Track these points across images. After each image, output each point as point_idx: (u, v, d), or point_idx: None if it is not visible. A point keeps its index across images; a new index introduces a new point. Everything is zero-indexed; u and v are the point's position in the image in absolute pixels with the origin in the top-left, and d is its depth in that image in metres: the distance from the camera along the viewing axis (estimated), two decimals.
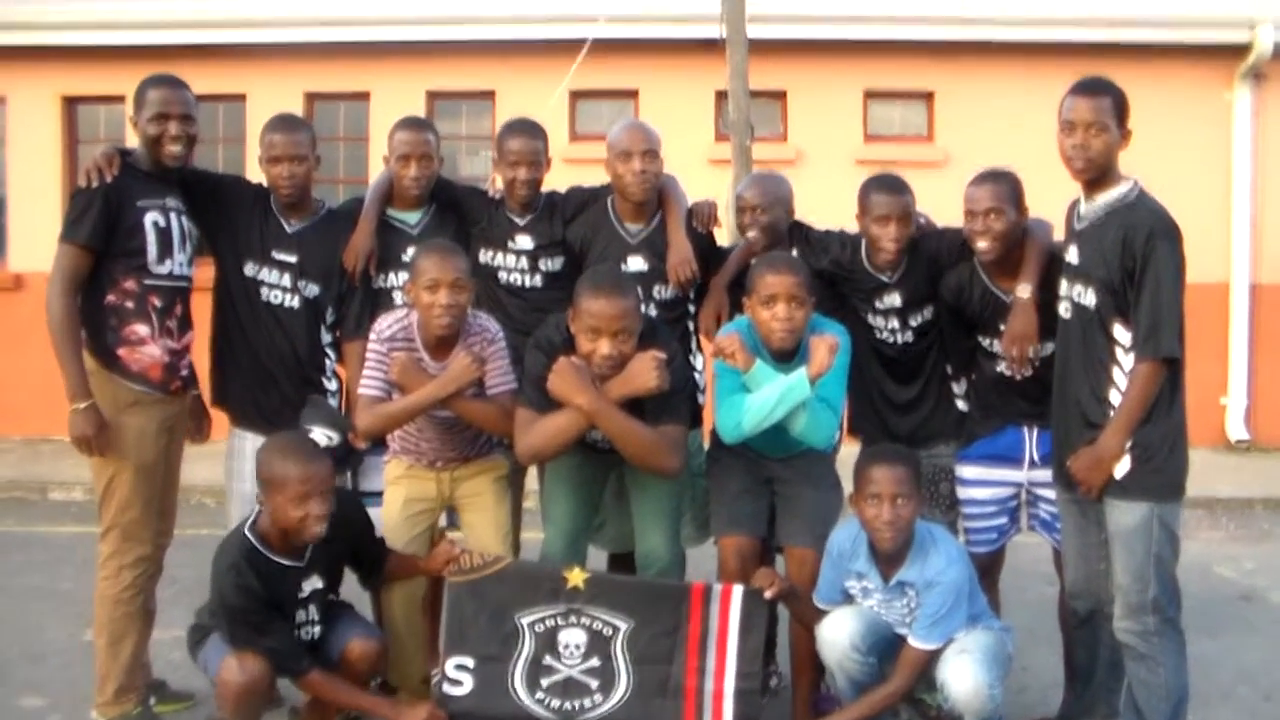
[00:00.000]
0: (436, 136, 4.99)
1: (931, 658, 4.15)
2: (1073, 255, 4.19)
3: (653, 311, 4.82)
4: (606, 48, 10.37)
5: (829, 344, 4.24)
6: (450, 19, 11.32)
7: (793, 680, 4.65)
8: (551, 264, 4.99)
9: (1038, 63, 11.14)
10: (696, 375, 5.07)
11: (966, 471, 4.74)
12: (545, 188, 5.09)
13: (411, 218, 4.97)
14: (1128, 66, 10.69)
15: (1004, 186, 4.48)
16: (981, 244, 4.46)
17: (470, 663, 4.24)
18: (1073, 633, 4.54)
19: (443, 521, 4.81)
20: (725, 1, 9.45)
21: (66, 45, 11.53)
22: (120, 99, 11.41)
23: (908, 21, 11.28)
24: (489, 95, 11.79)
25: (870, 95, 11.76)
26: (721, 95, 10.28)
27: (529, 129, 5.00)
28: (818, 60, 11.40)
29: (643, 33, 11.10)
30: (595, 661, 4.24)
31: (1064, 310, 4.24)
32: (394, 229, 4.93)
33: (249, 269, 4.74)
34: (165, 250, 4.53)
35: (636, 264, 4.90)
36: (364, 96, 11.80)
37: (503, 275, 4.99)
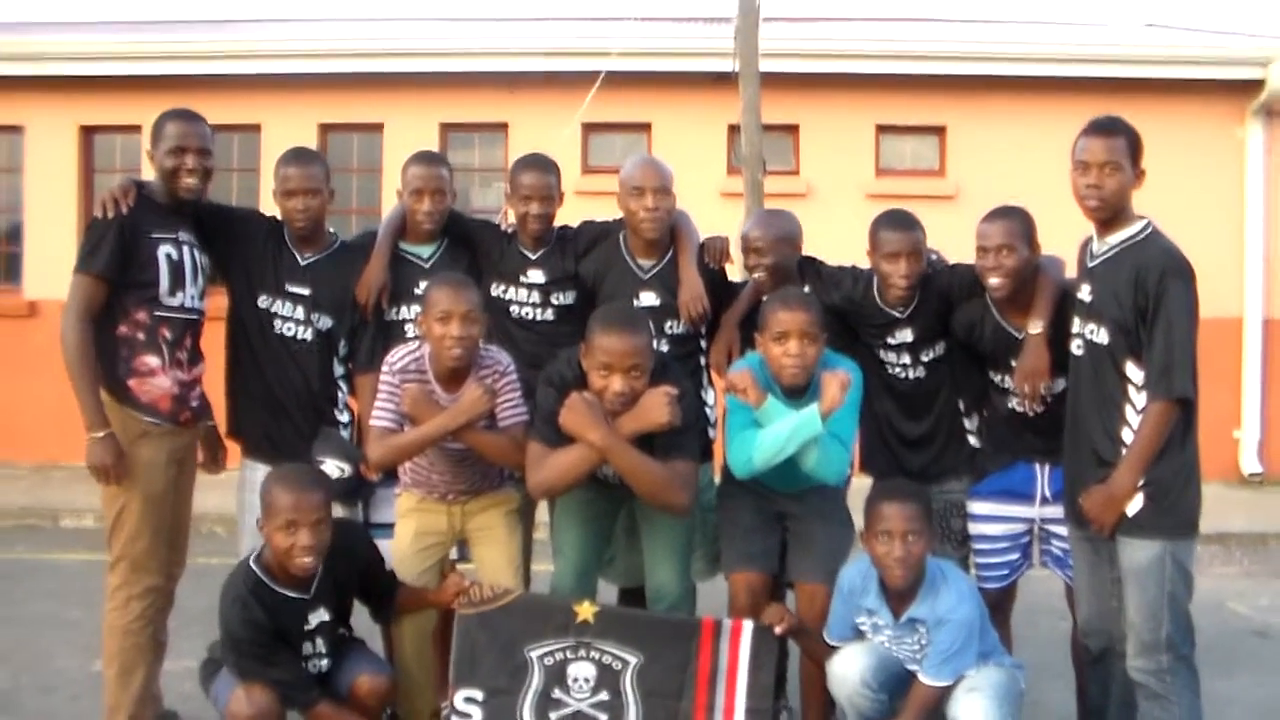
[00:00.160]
0: (450, 171, 5.02)
1: (942, 695, 4.14)
2: (1085, 293, 4.19)
3: (664, 346, 4.82)
4: (619, 81, 10.44)
5: (840, 380, 4.25)
6: (464, 51, 11.49)
7: (803, 716, 4.64)
8: (563, 298, 5.00)
9: (1049, 98, 11.24)
10: (707, 410, 5.08)
11: (978, 507, 4.73)
12: (557, 221, 5.10)
13: (424, 251, 4.98)
14: (1140, 103, 10.78)
15: (1016, 223, 4.49)
16: (993, 280, 4.47)
17: (479, 695, 4.24)
18: (1085, 670, 4.53)
19: (453, 554, 4.80)
20: (738, 36, 9.52)
21: (84, 76, 11.67)
22: (137, 129, 11.55)
23: (919, 57, 11.41)
24: (502, 127, 11.88)
25: (882, 129, 11.83)
26: (734, 129, 10.35)
27: (542, 164, 5.02)
28: (830, 94, 11.49)
29: (655, 66, 11.21)
30: (604, 695, 4.23)
31: (1077, 348, 4.24)
32: (407, 263, 4.95)
33: (262, 301, 4.76)
34: (177, 282, 4.55)
35: (648, 299, 4.91)
36: (377, 128, 11.89)
37: (514, 309, 5.00)
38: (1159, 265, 3.97)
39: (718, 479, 4.88)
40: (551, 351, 4.63)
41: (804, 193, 11.42)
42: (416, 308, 4.69)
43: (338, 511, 4.60)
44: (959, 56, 11.40)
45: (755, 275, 4.91)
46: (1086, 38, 12.72)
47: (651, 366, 4.25)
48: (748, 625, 4.27)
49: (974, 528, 4.74)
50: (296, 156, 4.89)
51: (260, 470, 4.57)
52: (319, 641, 4.19)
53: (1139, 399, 4.01)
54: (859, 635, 4.36)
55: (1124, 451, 4.03)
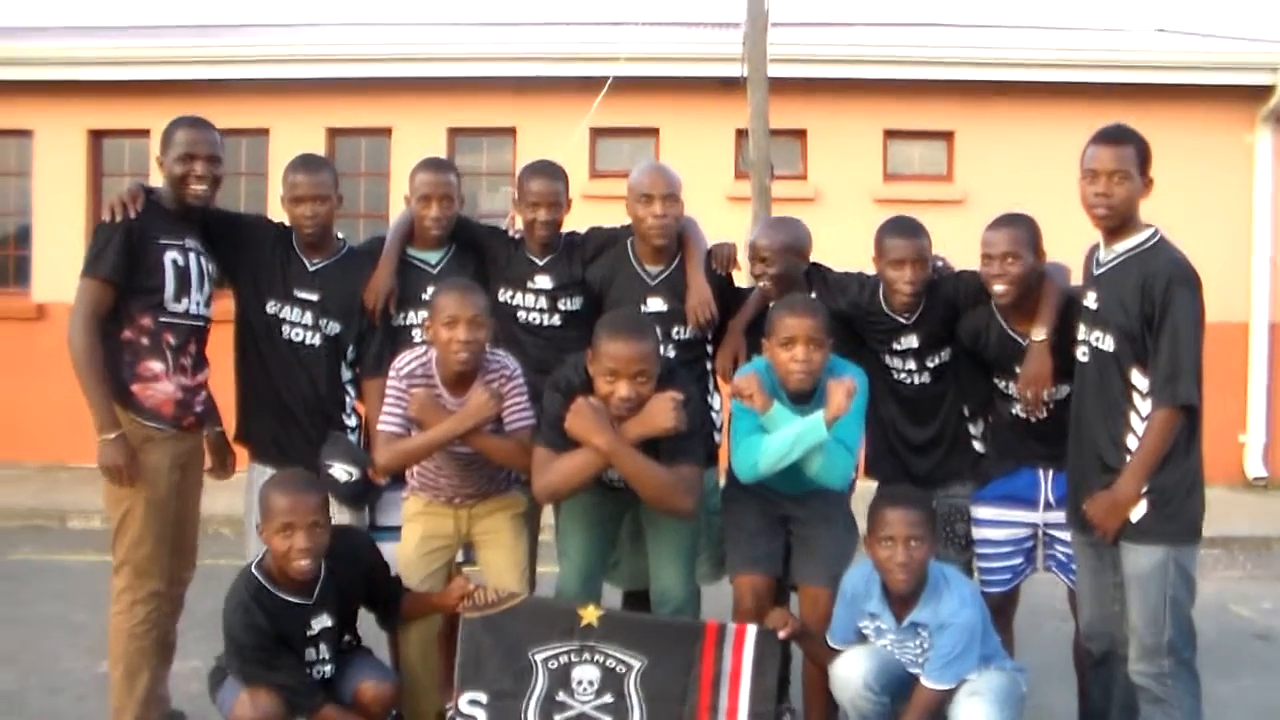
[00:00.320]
0: (458, 177, 5.04)
1: (944, 698, 4.16)
2: (1091, 301, 4.21)
3: (671, 352, 4.85)
4: (627, 86, 10.44)
5: (846, 388, 4.26)
6: (472, 56, 11.51)
7: (806, 718, 4.67)
8: (570, 304, 5.02)
9: (1058, 103, 11.26)
10: (714, 415, 5.10)
11: (982, 512, 4.75)
12: (566, 226, 5.13)
13: (432, 257, 5.01)
14: (1150, 108, 10.86)
15: (1021, 230, 4.51)
16: (998, 287, 4.49)
17: (484, 698, 4.26)
18: (1088, 673, 4.54)
19: (459, 557, 4.82)
20: (747, 41, 9.55)
21: (93, 80, 11.74)
22: (145, 133, 11.58)
23: (927, 63, 11.46)
24: (510, 132, 11.91)
25: (890, 134, 11.86)
26: (741, 134, 10.38)
27: (550, 171, 5.04)
28: (838, 100, 11.51)
29: (664, 71, 11.23)
30: (608, 698, 4.25)
31: (1082, 355, 4.25)
32: (414, 268, 4.97)
33: (271, 307, 4.78)
34: (183, 289, 4.57)
35: (656, 305, 4.93)
36: (385, 132, 11.95)
37: (522, 315, 5.02)
38: (1166, 274, 3.98)
39: (723, 482, 4.90)
40: (558, 357, 4.64)
41: (812, 198, 11.45)
42: (424, 313, 4.71)
43: (344, 516, 4.65)
44: (967, 62, 11.46)
45: (760, 284, 4.93)
46: (1095, 43, 12.75)
47: (658, 372, 4.26)
48: (751, 629, 4.29)
49: (977, 532, 4.76)
50: (305, 163, 4.90)
51: (268, 474, 4.59)
52: (322, 648, 4.20)
53: (1144, 406, 4.03)
54: (861, 639, 4.38)
55: (1128, 458, 4.04)
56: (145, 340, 4.50)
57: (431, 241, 5.00)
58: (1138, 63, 11.45)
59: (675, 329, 4.94)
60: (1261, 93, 11.34)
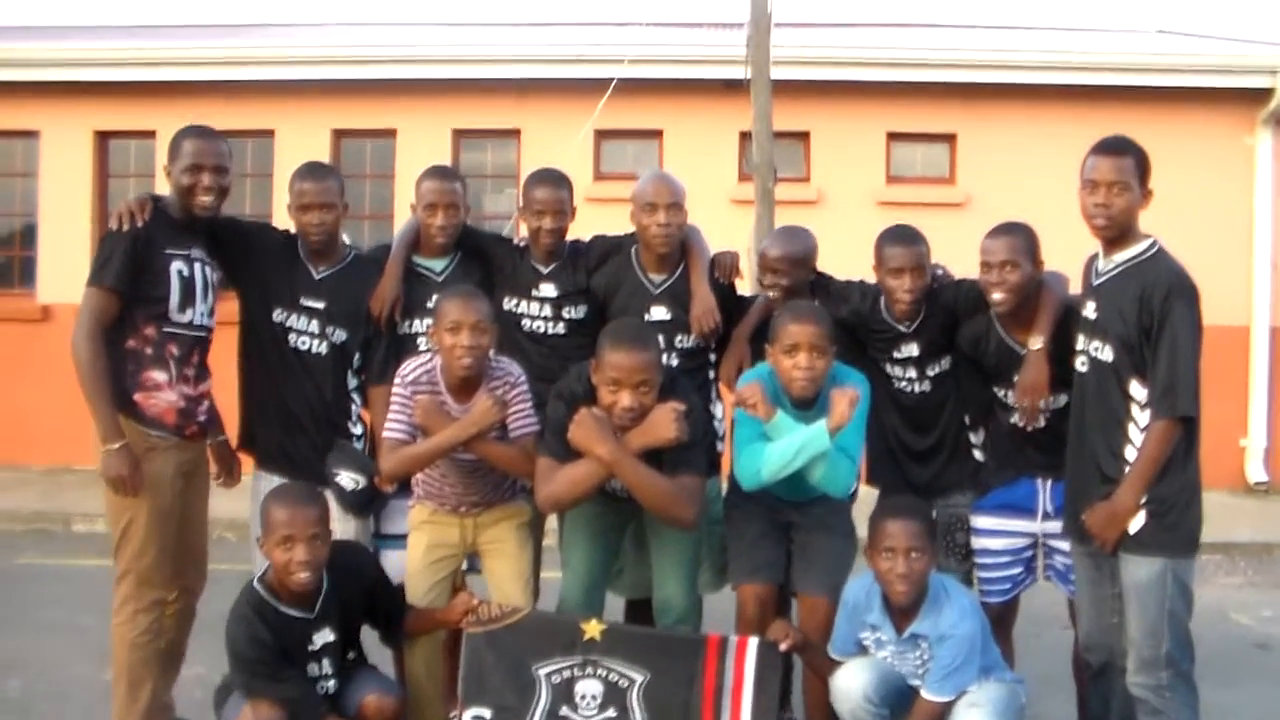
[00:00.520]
0: (463, 186, 5.07)
1: (944, 710, 4.18)
2: (1090, 311, 4.24)
3: (674, 360, 4.89)
4: (631, 88, 10.47)
5: (850, 398, 4.29)
6: (476, 58, 11.54)
7: None
8: (575, 312, 5.04)
9: (1060, 106, 11.29)
10: (716, 423, 5.12)
11: (981, 522, 4.78)
12: (570, 229, 5.15)
13: (437, 265, 5.03)
14: (1151, 111, 10.92)
15: (1020, 239, 4.53)
16: (997, 295, 4.51)
17: (487, 713, 4.28)
18: (1087, 684, 4.57)
19: (464, 565, 4.84)
20: (750, 44, 9.55)
21: (99, 81, 11.76)
22: (151, 134, 11.67)
23: (930, 65, 11.48)
24: (514, 133, 11.93)
25: (893, 137, 11.86)
26: (745, 136, 10.38)
27: (554, 179, 5.06)
28: (841, 102, 11.53)
29: (667, 74, 11.25)
30: (612, 712, 4.27)
31: (1081, 365, 4.28)
32: (420, 276, 5.00)
33: (277, 315, 4.80)
34: (187, 299, 4.59)
35: (659, 313, 4.96)
36: (390, 134, 11.96)
37: (526, 323, 5.05)
38: (1165, 284, 4.01)
39: (725, 490, 4.93)
40: (563, 365, 4.68)
41: (815, 200, 11.47)
42: (429, 321, 4.72)
43: (350, 524, 4.67)
44: (969, 64, 11.47)
45: (770, 294, 4.95)
46: (1097, 45, 12.74)
47: (660, 382, 4.30)
48: (752, 642, 4.31)
49: (977, 542, 4.79)
50: (311, 171, 4.92)
51: (274, 482, 4.62)
52: (325, 663, 4.24)
53: (1142, 417, 4.06)
54: (862, 650, 4.41)
55: (1127, 468, 4.08)
56: (149, 350, 4.52)
57: (437, 249, 5.02)
58: (1139, 65, 11.45)
59: (678, 337, 4.97)
60: (1262, 95, 11.33)
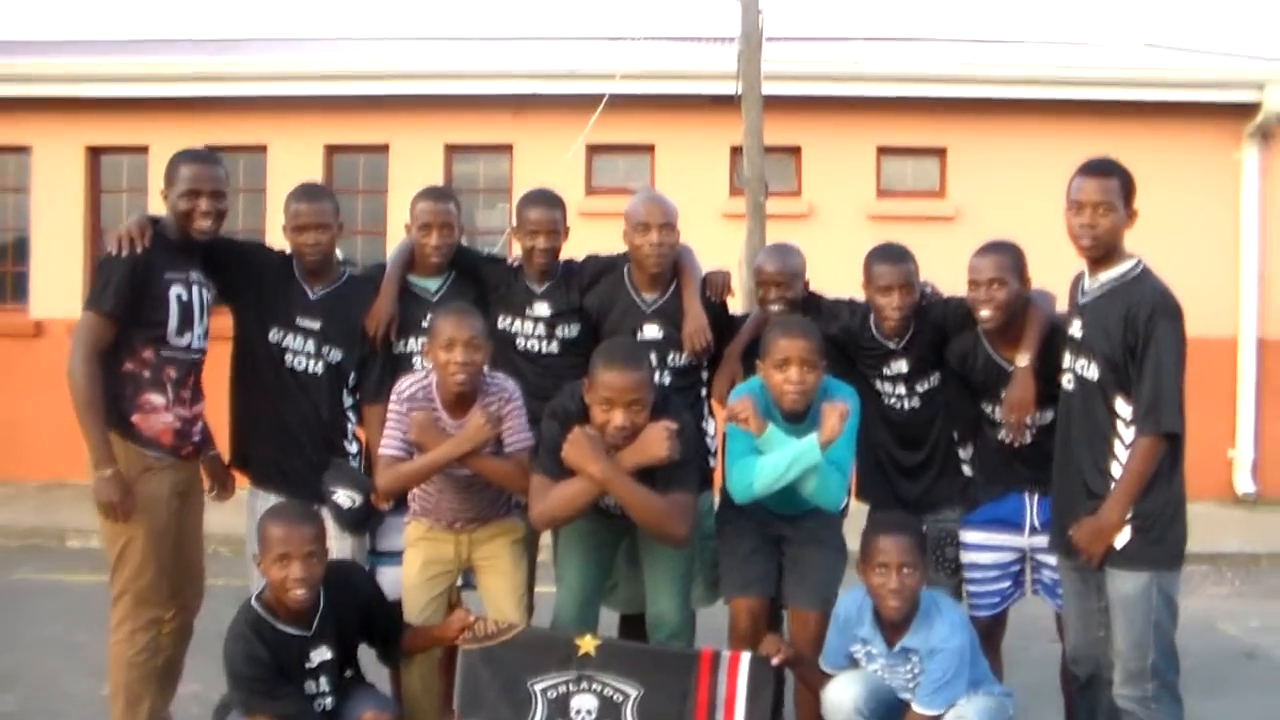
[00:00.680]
0: (458, 206, 5.11)
1: None
2: (1076, 329, 4.30)
3: (666, 378, 4.93)
4: (623, 103, 10.52)
5: (840, 412, 4.34)
6: (469, 74, 11.59)
7: None
8: (568, 331, 5.10)
9: (1048, 120, 11.37)
10: (708, 440, 5.17)
11: (970, 536, 4.83)
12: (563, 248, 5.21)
13: (432, 284, 5.08)
14: (1139, 125, 11.02)
15: (1007, 257, 4.60)
16: (984, 313, 4.58)
17: None
18: (1074, 696, 4.63)
19: (459, 581, 4.88)
20: (741, 60, 9.60)
21: (91, 97, 11.79)
22: (144, 149, 11.74)
23: (920, 80, 11.54)
24: (507, 149, 11.97)
25: (883, 151, 11.93)
26: (736, 150, 10.41)
27: (548, 199, 5.12)
28: (831, 116, 11.60)
29: (659, 89, 11.28)
30: None
31: (1067, 382, 4.34)
32: (415, 295, 5.04)
33: (273, 335, 4.83)
34: (186, 324, 4.62)
35: (651, 331, 5.01)
36: (383, 149, 12.01)
37: (520, 341, 5.09)
38: (1149, 304, 4.07)
39: (717, 505, 4.97)
40: (556, 383, 4.73)
41: (806, 214, 11.55)
42: (424, 339, 4.78)
43: (346, 542, 4.71)
44: (959, 79, 11.54)
45: (774, 307, 5.01)
46: (1085, 60, 12.83)
47: (652, 401, 4.35)
48: (745, 656, 4.37)
49: (966, 556, 4.84)
50: (306, 193, 4.96)
51: (271, 500, 4.66)
52: (323, 680, 4.27)
53: (1128, 434, 4.12)
54: (853, 663, 4.46)
55: (1113, 484, 4.14)
56: (146, 373, 4.54)
57: (432, 269, 5.06)
58: (1127, 81, 11.54)
59: (671, 355, 5.01)
60: (1248, 110, 11.42)
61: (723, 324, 5.16)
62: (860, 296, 5.00)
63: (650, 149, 11.93)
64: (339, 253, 5.12)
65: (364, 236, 11.87)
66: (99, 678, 5.52)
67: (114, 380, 4.49)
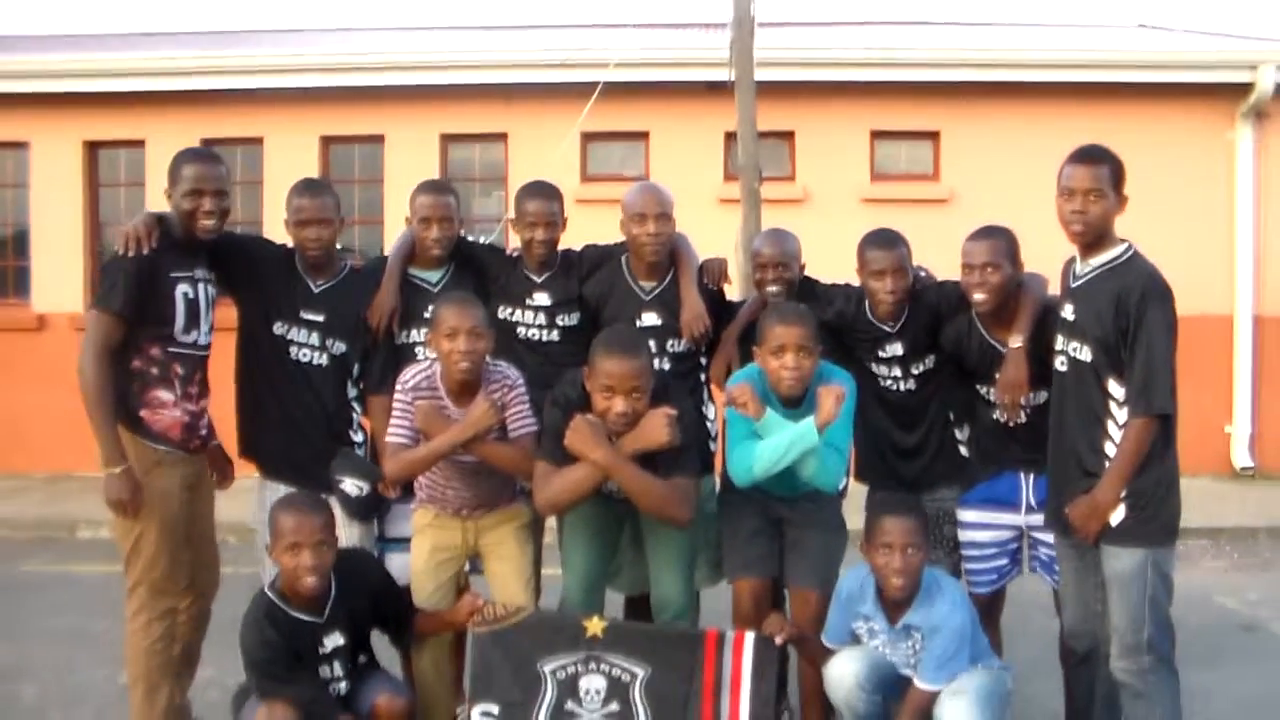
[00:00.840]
0: (457, 199, 5.18)
1: (934, 696, 4.33)
2: (1069, 312, 4.37)
3: (665, 364, 5.02)
4: (617, 91, 10.58)
5: (836, 395, 4.42)
6: (463, 64, 11.65)
7: (803, 717, 4.82)
8: (568, 319, 5.17)
9: (1041, 102, 11.45)
10: (708, 424, 5.26)
11: (967, 515, 4.92)
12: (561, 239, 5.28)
13: (433, 276, 5.14)
14: (1133, 106, 11.10)
15: (1000, 242, 4.68)
16: (978, 296, 4.66)
17: (495, 709, 4.42)
18: (1072, 670, 4.71)
19: (466, 567, 4.96)
20: (734, 47, 9.65)
21: (88, 92, 11.83)
22: (140, 143, 11.81)
23: (913, 64, 11.60)
24: (501, 137, 12.02)
25: (876, 135, 11.99)
26: (730, 136, 10.49)
27: (545, 191, 5.18)
28: (825, 101, 11.66)
29: (653, 76, 11.35)
30: (615, 706, 4.40)
31: (1060, 364, 4.42)
32: (416, 287, 5.11)
33: (278, 328, 4.90)
34: (192, 321, 4.69)
35: (650, 319, 5.09)
36: (379, 139, 12.07)
37: (521, 331, 5.16)
38: (1140, 288, 4.15)
39: (718, 488, 5.06)
40: (558, 371, 4.79)
41: (800, 198, 11.61)
42: (426, 330, 4.85)
43: (353, 529, 4.79)
44: (951, 64, 11.61)
45: (772, 289, 5.08)
46: (1078, 43, 12.87)
47: (652, 387, 4.43)
48: (749, 636, 4.45)
49: (963, 535, 4.93)
50: (308, 188, 5.02)
51: (280, 491, 4.73)
52: (336, 665, 4.37)
53: (1120, 414, 4.19)
54: (855, 640, 4.55)
55: (1107, 463, 4.21)
56: (154, 370, 4.61)
57: (432, 261, 5.13)
58: (1120, 62, 11.62)
59: (669, 342, 5.09)
60: (1241, 90, 11.50)
61: (720, 310, 5.24)
62: (855, 281, 5.07)
63: (645, 136, 11.99)
64: (340, 246, 5.18)
65: (361, 226, 11.91)
66: (114, 666, 5.61)
67: (123, 377, 4.55)
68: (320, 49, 12.62)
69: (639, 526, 4.86)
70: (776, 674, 4.58)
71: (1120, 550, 4.21)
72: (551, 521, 5.08)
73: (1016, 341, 4.63)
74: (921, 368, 5.00)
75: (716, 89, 10.45)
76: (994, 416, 4.77)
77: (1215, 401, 11.64)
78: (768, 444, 4.48)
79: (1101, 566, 4.30)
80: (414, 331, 5.07)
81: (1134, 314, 4.11)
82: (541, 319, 5.17)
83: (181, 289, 4.65)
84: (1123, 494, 4.16)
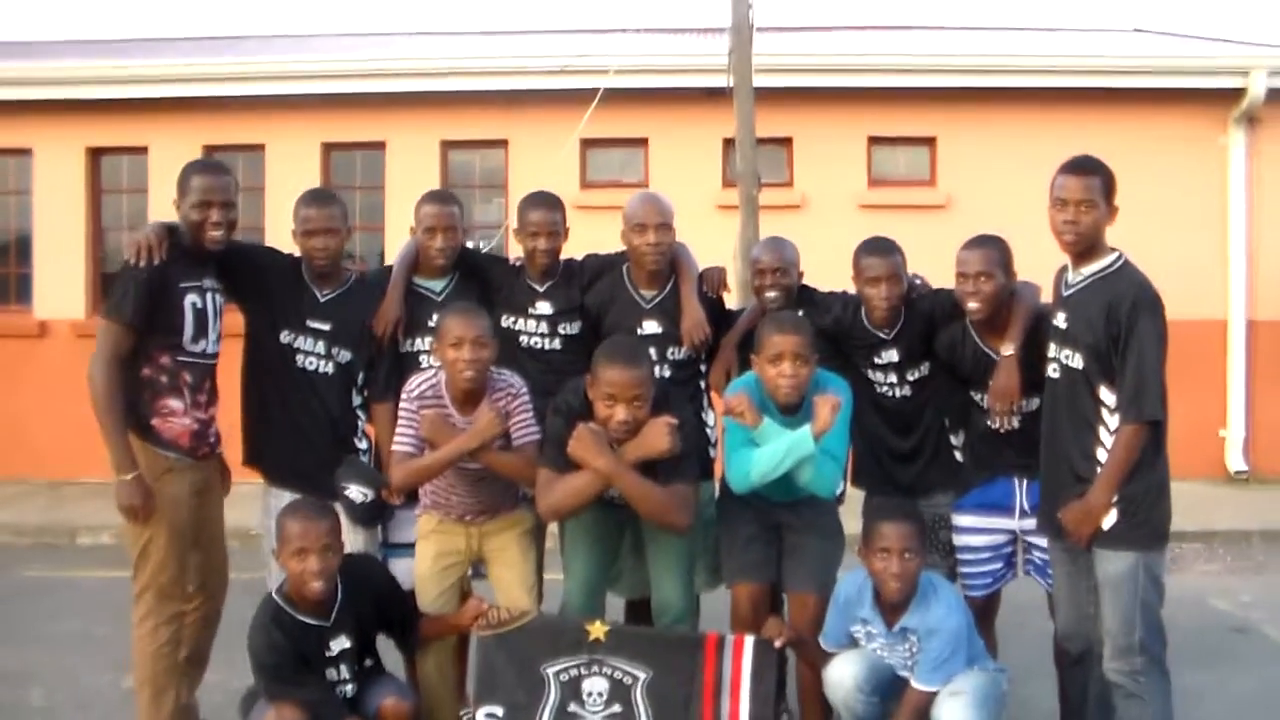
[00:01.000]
0: (461, 209, 5.26)
1: (931, 698, 4.40)
2: (1061, 320, 4.45)
3: (666, 371, 5.10)
4: (617, 98, 10.62)
5: (832, 404, 4.50)
6: (464, 71, 11.67)
7: (801, 718, 4.90)
8: (570, 328, 5.24)
9: (1037, 108, 11.53)
10: (708, 431, 5.33)
11: (962, 520, 5.00)
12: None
13: (437, 285, 5.21)
14: (1127, 112, 11.18)
15: (994, 251, 4.76)
16: (972, 304, 4.75)
17: (499, 711, 4.49)
18: (1066, 672, 4.78)
19: (469, 572, 5.03)
20: (733, 54, 9.71)
21: (91, 99, 11.89)
22: (143, 150, 11.87)
23: (909, 70, 11.64)
24: (502, 144, 12.08)
25: (874, 141, 12.06)
26: (729, 142, 10.56)
27: (548, 201, 5.26)
28: (823, 107, 11.71)
29: (652, 83, 11.42)
30: (617, 708, 4.48)
31: (1053, 371, 4.49)
32: (420, 296, 5.18)
33: (284, 337, 4.97)
34: (200, 331, 4.76)
35: (651, 327, 5.16)
36: (379, 146, 12.13)
37: (524, 339, 5.23)
38: (1130, 297, 4.22)
39: (717, 494, 5.12)
40: (559, 379, 4.88)
41: (798, 204, 11.67)
42: (430, 339, 4.93)
43: (358, 535, 4.86)
44: (948, 70, 11.66)
45: (770, 295, 5.17)
46: (1073, 48, 12.95)
47: (653, 396, 4.51)
48: (749, 639, 4.53)
49: (958, 539, 5.01)
50: (316, 198, 5.10)
51: (285, 498, 4.80)
52: (343, 668, 4.45)
53: (1112, 420, 4.27)
54: (853, 643, 4.63)
55: (1099, 469, 4.28)
56: (164, 378, 4.68)
57: (436, 270, 5.20)
58: (1114, 68, 11.66)
59: (670, 350, 5.16)
60: (1233, 95, 11.56)
61: (719, 318, 5.32)
62: (853, 288, 5.14)
63: (644, 142, 12.06)
64: (349, 253, 5.24)
65: (362, 233, 11.94)
66: (120, 671, 5.68)
67: (133, 386, 4.62)
68: (321, 56, 12.68)
69: (639, 532, 4.93)
70: (775, 676, 4.66)
71: (1112, 554, 4.28)
72: (553, 527, 5.13)
73: (1008, 349, 4.71)
74: (917, 374, 5.08)
75: (715, 95, 10.50)
76: (987, 422, 4.84)
77: (1209, 405, 11.68)
78: (764, 451, 4.56)
79: (1094, 570, 4.37)
80: (418, 340, 5.13)
81: (1125, 323, 4.19)
82: (544, 328, 5.24)
83: (190, 299, 4.72)
84: (1114, 499, 4.23)
